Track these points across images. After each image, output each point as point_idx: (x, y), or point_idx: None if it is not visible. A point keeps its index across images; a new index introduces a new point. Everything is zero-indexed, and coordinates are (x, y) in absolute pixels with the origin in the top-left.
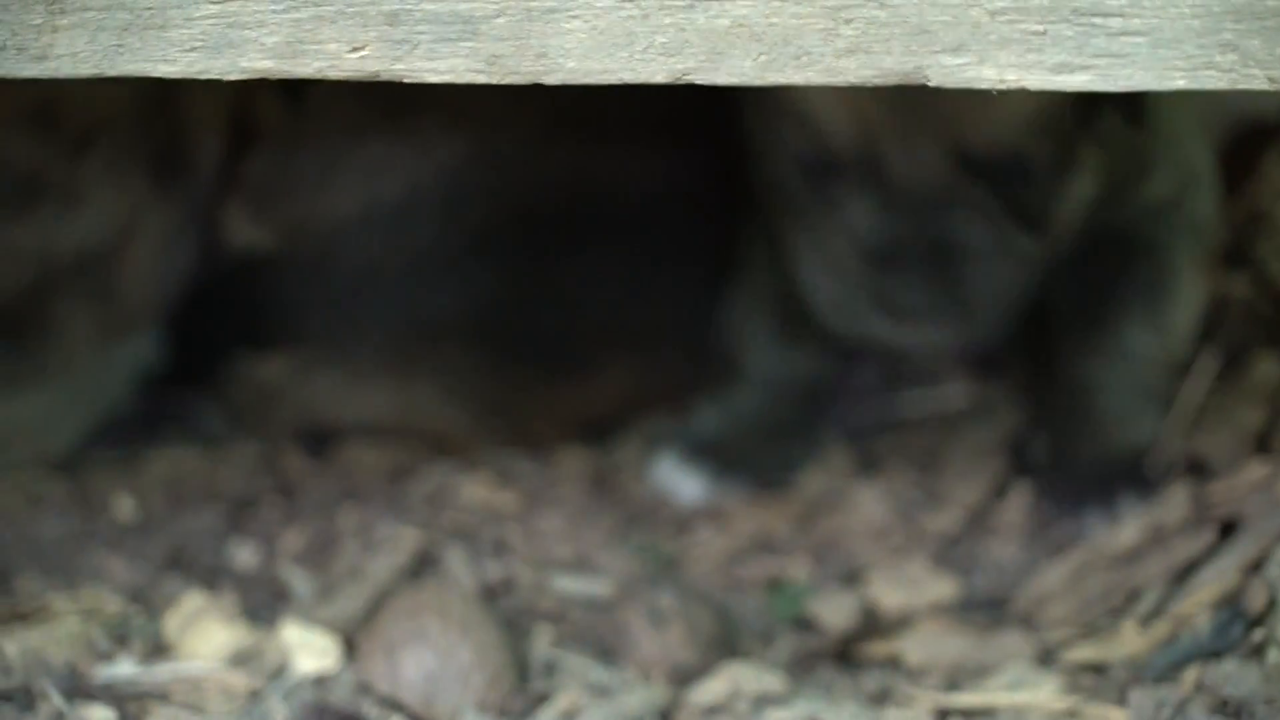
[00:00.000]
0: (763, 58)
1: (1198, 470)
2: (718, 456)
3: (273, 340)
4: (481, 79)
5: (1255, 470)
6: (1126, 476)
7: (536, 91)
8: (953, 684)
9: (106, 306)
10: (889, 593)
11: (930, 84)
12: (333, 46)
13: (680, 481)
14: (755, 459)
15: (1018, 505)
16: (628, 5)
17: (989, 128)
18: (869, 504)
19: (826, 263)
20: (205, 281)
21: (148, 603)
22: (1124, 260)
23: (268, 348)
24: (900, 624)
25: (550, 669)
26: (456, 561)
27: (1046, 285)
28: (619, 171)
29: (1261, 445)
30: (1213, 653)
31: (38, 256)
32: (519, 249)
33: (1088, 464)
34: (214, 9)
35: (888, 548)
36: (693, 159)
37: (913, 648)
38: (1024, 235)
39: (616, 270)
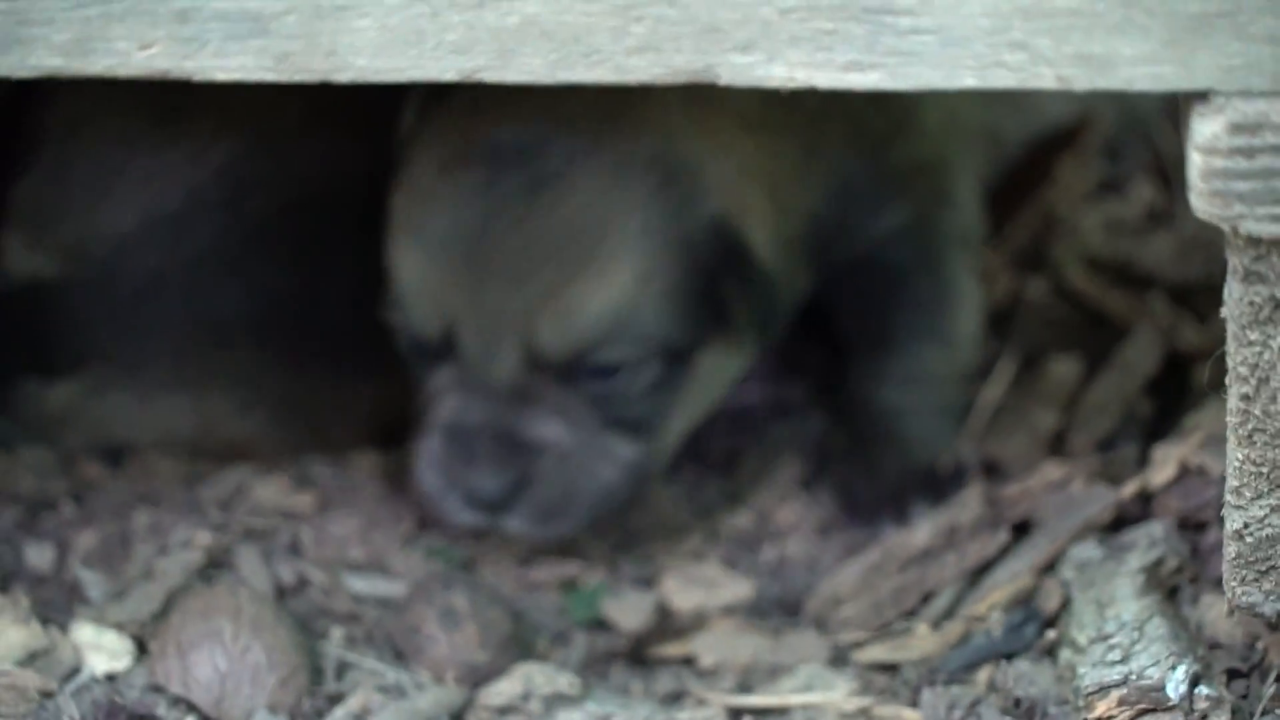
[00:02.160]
0: (553, 56)
1: (993, 473)
2: None
3: (61, 367)
4: (271, 77)
5: (1050, 472)
6: (921, 485)
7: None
8: (746, 685)
9: None
10: (683, 594)
11: (721, 82)
12: (122, 45)
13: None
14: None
15: (813, 507)
16: (417, 4)
17: (558, 328)
18: (665, 504)
19: (421, 449)
20: None
21: None
22: (895, 282)
23: (56, 375)
24: (694, 625)
25: (343, 670)
26: (249, 563)
27: (829, 307)
28: (389, 163)
29: (1057, 447)
30: (1006, 653)
31: None
32: (302, 246)
33: (884, 477)
34: (2, 5)
35: (683, 549)
36: None
37: (706, 648)
38: (616, 437)
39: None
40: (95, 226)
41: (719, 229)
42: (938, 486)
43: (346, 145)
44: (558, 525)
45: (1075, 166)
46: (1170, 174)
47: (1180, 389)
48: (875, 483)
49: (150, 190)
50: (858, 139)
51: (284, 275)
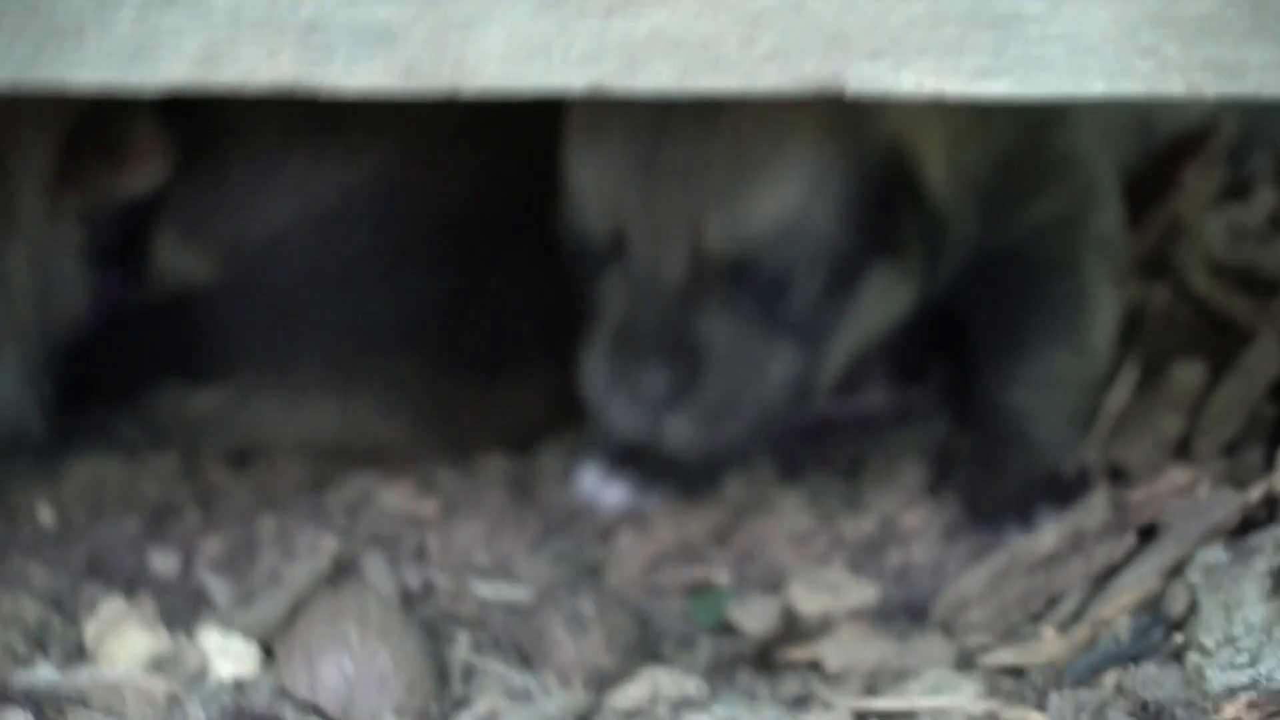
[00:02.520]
0: (681, 65)
1: (1118, 478)
2: (641, 465)
3: (208, 374)
4: (399, 87)
5: (1176, 476)
6: (1047, 490)
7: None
8: (872, 688)
9: None
10: (809, 598)
11: (849, 90)
12: (250, 55)
13: (603, 491)
14: (678, 468)
15: (938, 511)
16: (545, 14)
17: (728, 228)
18: (790, 510)
19: (589, 350)
20: (130, 314)
21: (67, 609)
22: (1034, 282)
23: (203, 381)
24: (820, 629)
25: (469, 675)
26: (375, 568)
27: (962, 307)
28: (545, 176)
29: (1181, 452)
30: (1133, 657)
31: None
32: (449, 254)
33: (1010, 481)
34: (132, 16)
35: (808, 554)
36: None
37: (832, 653)
38: (783, 344)
39: (543, 275)
40: (249, 226)
41: (894, 155)
42: (1063, 491)
43: (500, 157)
44: (722, 430)
45: (1201, 172)
46: None
47: None
48: (1001, 487)
49: (305, 191)
50: (1023, 117)
51: (433, 281)
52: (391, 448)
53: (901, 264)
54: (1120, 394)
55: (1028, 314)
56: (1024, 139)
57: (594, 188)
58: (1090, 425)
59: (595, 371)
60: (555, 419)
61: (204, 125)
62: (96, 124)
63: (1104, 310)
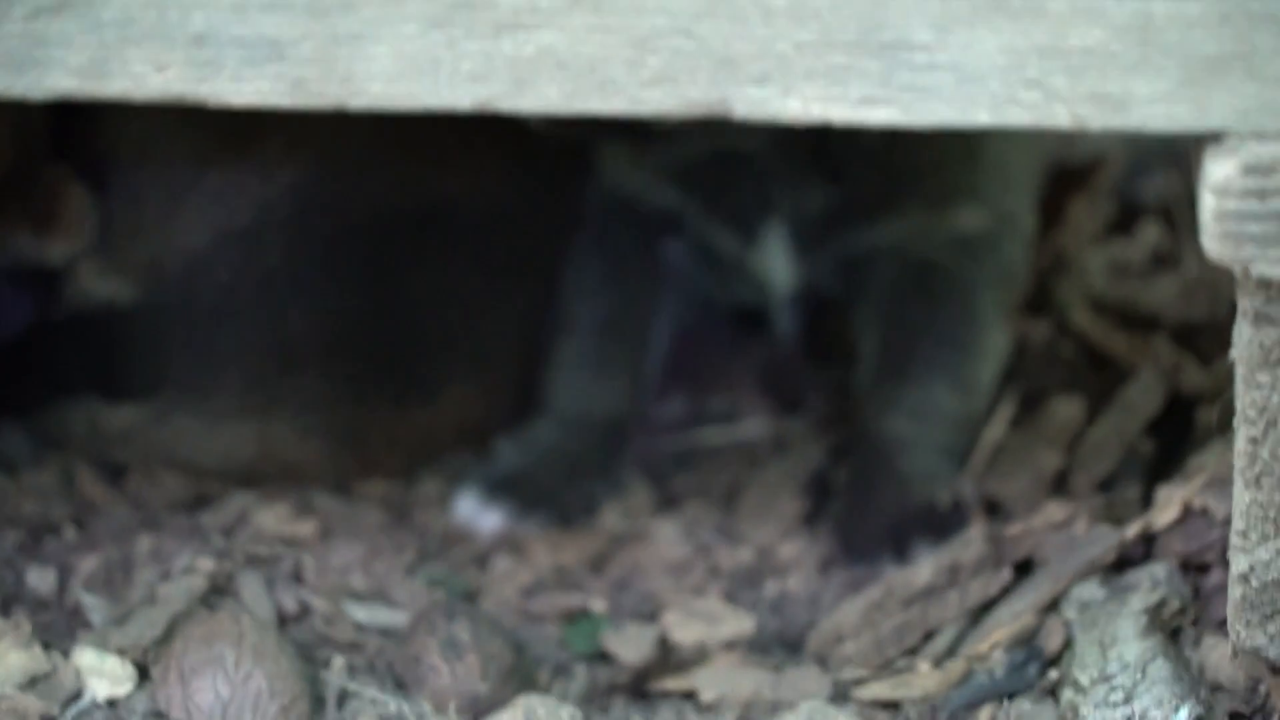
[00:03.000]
0: (568, 86)
1: (995, 512)
2: (518, 492)
3: (129, 392)
4: (286, 102)
5: (1052, 512)
6: (922, 523)
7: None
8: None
9: None
10: (685, 628)
11: (735, 115)
12: (138, 68)
13: (481, 516)
14: (556, 495)
15: (814, 543)
16: (434, 32)
17: None
18: (667, 539)
19: None
20: (44, 331)
21: None
22: (932, 305)
23: (122, 399)
24: (695, 659)
25: (344, 699)
26: (252, 590)
27: (856, 324)
28: (461, 190)
29: (1059, 487)
30: (1008, 693)
31: None
32: (362, 270)
33: (883, 514)
34: (19, 27)
35: (685, 584)
36: (525, 178)
37: (708, 683)
38: None
39: (458, 291)
40: (168, 244)
41: None
42: (938, 525)
43: (417, 171)
44: None
45: (1086, 207)
46: (1176, 216)
47: (1183, 430)
48: (874, 520)
49: (221, 207)
50: None
51: (350, 297)
52: (305, 469)
53: None
54: (997, 427)
55: (917, 340)
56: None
57: None
58: (964, 459)
59: None
60: (472, 437)
61: (112, 140)
62: (19, 182)
63: (993, 346)
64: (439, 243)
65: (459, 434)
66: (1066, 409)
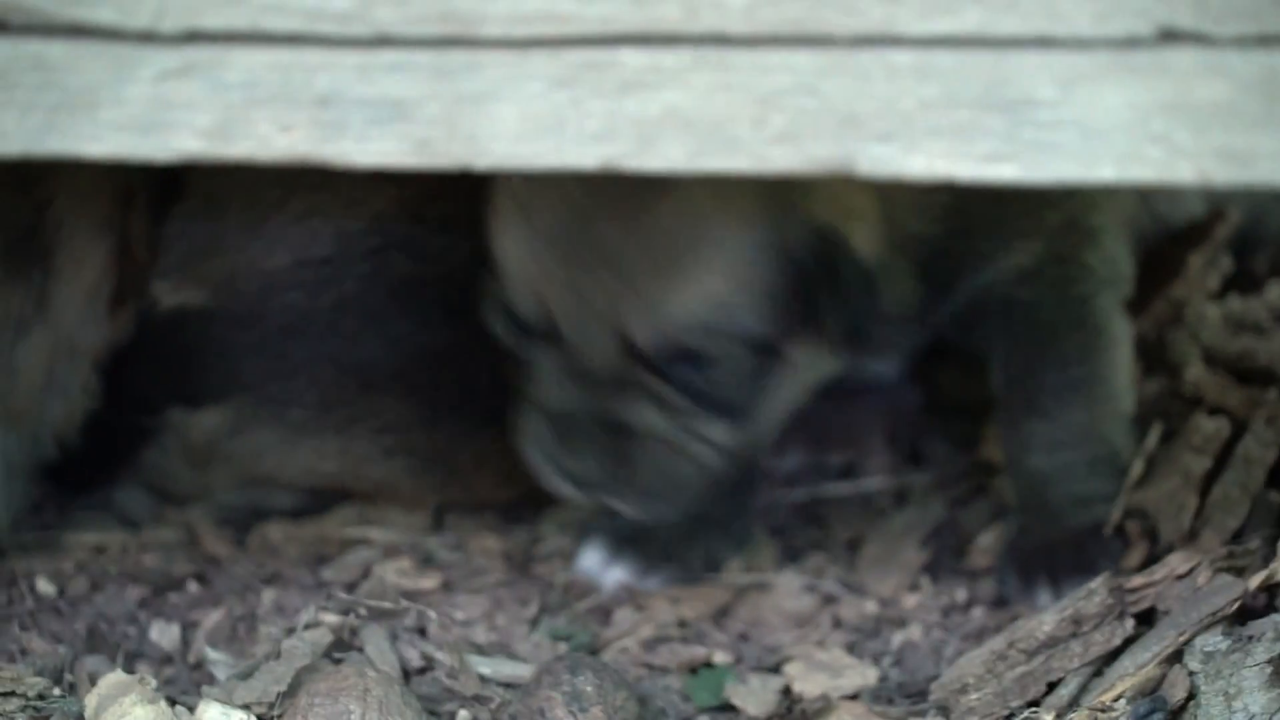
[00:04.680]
0: (693, 145)
1: (1150, 534)
2: (643, 548)
3: (206, 395)
4: (411, 162)
5: (1175, 562)
6: (1075, 554)
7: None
8: None
9: None
10: (809, 680)
11: (860, 172)
12: (263, 129)
13: (605, 573)
14: (680, 551)
15: (937, 594)
16: (559, 91)
17: (651, 322)
18: (789, 593)
19: (525, 426)
20: (135, 346)
21: (67, 682)
22: (1041, 332)
23: (203, 404)
24: (820, 711)
25: None
26: (375, 644)
27: (983, 359)
28: None
29: (1190, 536)
30: None
31: None
32: (439, 305)
33: (1037, 545)
34: (146, 89)
35: (808, 635)
36: None
37: None
38: (715, 422)
39: None
40: (246, 262)
41: (820, 237)
42: (1094, 554)
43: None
44: (659, 506)
45: (1204, 260)
46: None
47: None
48: (1030, 551)
49: (302, 232)
50: None
51: (425, 332)
52: (390, 488)
53: (824, 341)
54: (1150, 441)
55: (1040, 367)
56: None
57: (523, 272)
58: (1123, 469)
59: (532, 448)
60: None
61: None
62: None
63: (1118, 348)
64: None
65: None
66: (1211, 425)
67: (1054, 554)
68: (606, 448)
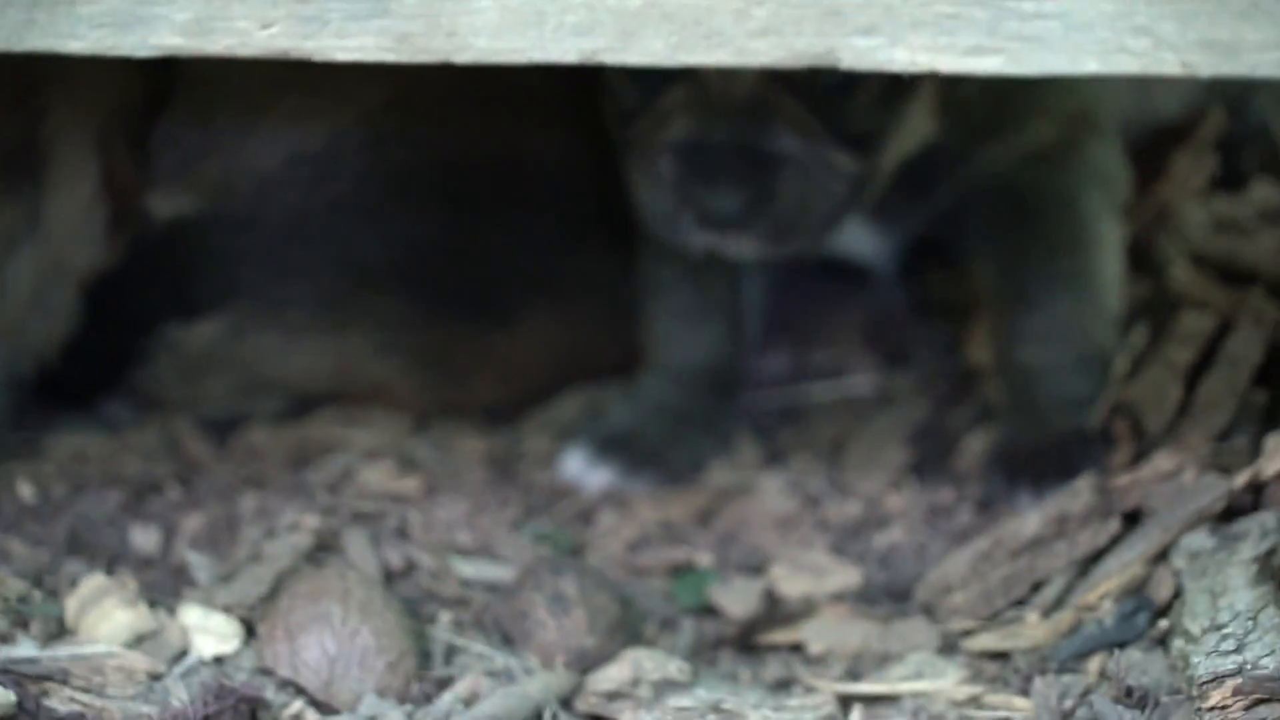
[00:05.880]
0: (674, 38)
1: (1138, 431)
2: (626, 450)
3: (204, 304)
4: (391, 57)
5: (1161, 462)
6: (1059, 460)
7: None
8: (855, 673)
9: None
10: (792, 581)
11: (842, 66)
12: (242, 24)
13: (588, 475)
14: (664, 453)
15: (921, 495)
16: None
17: None
18: (773, 494)
19: (650, 172)
20: (129, 264)
21: (48, 585)
22: (1032, 220)
23: (199, 313)
24: (803, 613)
25: (451, 654)
26: (357, 546)
27: (967, 250)
28: (533, 130)
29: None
30: (1117, 642)
31: None
32: (439, 200)
33: (1024, 446)
34: None
35: (791, 537)
36: (594, 129)
37: (815, 636)
38: (843, 152)
39: (537, 225)
40: (239, 163)
41: None
42: (1078, 457)
43: (492, 106)
44: (790, 240)
45: (1190, 161)
46: None
47: None
48: (1015, 453)
49: (295, 130)
50: None
51: (423, 226)
52: (387, 388)
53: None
54: (1136, 338)
55: (1029, 258)
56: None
57: None
58: (1106, 369)
59: (658, 191)
60: (558, 371)
61: (187, 67)
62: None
63: (1107, 245)
64: (511, 182)
65: (541, 368)
66: (1196, 321)
67: (1039, 457)
68: (748, 181)
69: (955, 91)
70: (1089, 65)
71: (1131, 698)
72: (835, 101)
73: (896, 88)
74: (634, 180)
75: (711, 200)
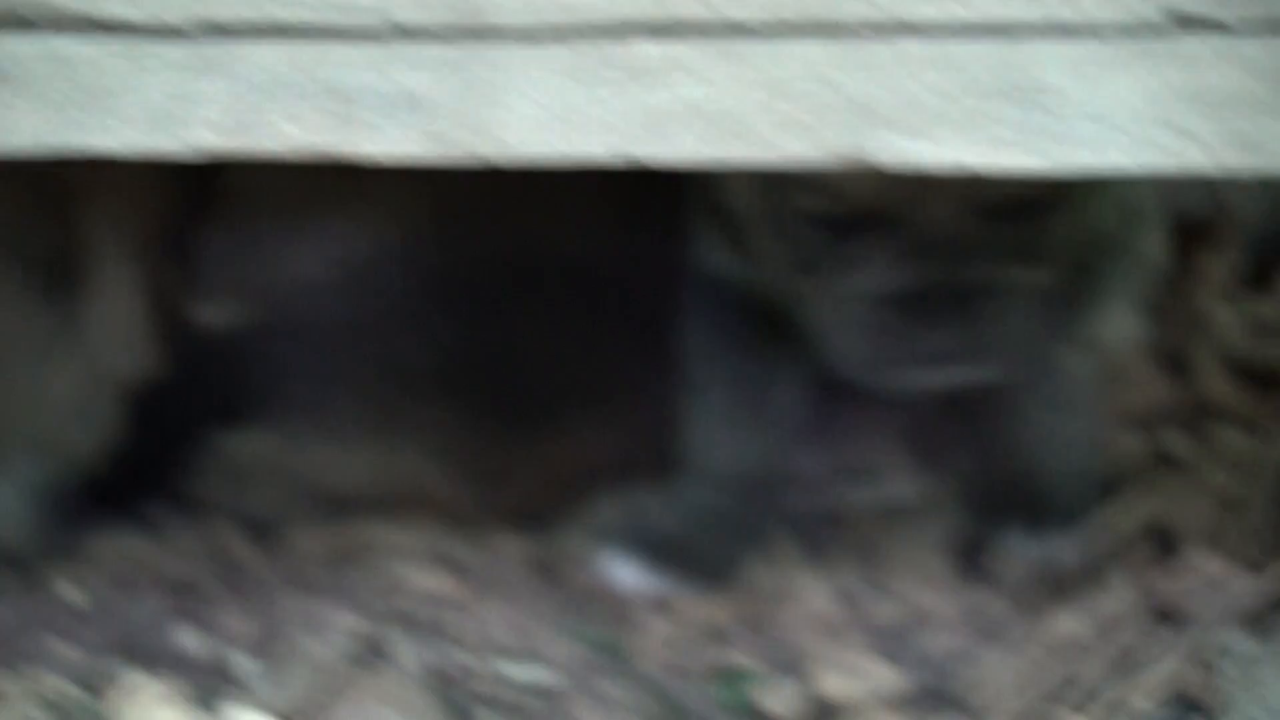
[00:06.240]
0: (704, 135)
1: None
2: (666, 553)
3: (251, 414)
4: (425, 155)
5: (1200, 563)
6: (1055, 507)
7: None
8: None
9: None
10: (835, 682)
11: (872, 162)
12: (277, 122)
13: (630, 577)
14: (704, 556)
15: (963, 596)
16: (570, 83)
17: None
18: (815, 595)
19: (851, 319)
20: (176, 365)
21: (91, 686)
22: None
23: (246, 422)
24: (846, 713)
25: None
26: (402, 648)
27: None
28: (575, 232)
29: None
30: None
31: None
32: (477, 307)
33: (1019, 493)
34: (161, 84)
35: (834, 639)
36: (641, 228)
37: None
38: (1033, 269)
39: (579, 328)
40: (283, 271)
41: None
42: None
43: (533, 211)
44: (999, 363)
45: (1218, 260)
46: None
47: None
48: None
49: (338, 237)
50: None
51: (468, 331)
52: (436, 496)
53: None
54: None
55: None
56: None
57: None
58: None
59: (864, 340)
60: (596, 473)
61: (229, 176)
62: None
63: (1117, 316)
64: (552, 287)
65: (582, 470)
66: (1231, 431)
67: (1030, 499)
68: (958, 317)
69: None
70: (1119, 160)
71: None
72: (1023, 224)
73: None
74: (824, 325)
75: (927, 344)
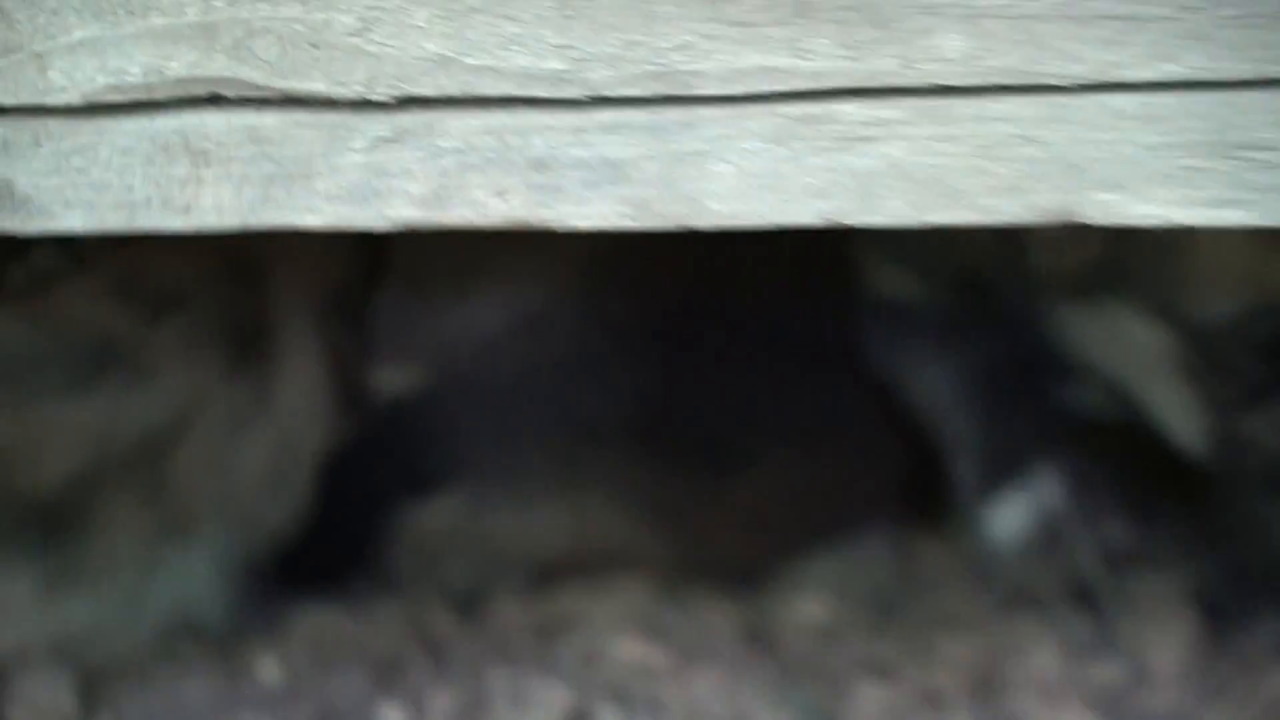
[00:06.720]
0: (914, 198)
1: None
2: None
3: (437, 480)
4: (630, 224)
5: None
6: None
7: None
8: None
9: (159, 502)
10: None
11: (1084, 222)
12: (479, 195)
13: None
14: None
15: (1187, 652)
16: (776, 148)
17: None
18: (1038, 655)
19: None
20: (360, 435)
21: None
22: None
23: (433, 489)
24: None
25: None
26: None
27: None
28: (751, 267)
29: None
30: None
31: (96, 437)
32: (655, 352)
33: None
34: (360, 158)
35: (1058, 700)
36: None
37: None
38: None
39: (764, 364)
40: (459, 331)
41: None
42: None
43: (710, 256)
44: None
45: None
46: None
47: None
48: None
49: (511, 292)
50: None
51: (648, 377)
52: (627, 550)
53: None
54: None
55: None
56: None
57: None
58: None
59: None
60: (793, 519)
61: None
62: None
63: None
64: (731, 322)
65: (787, 517)
66: None
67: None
68: None
69: None
70: None
71: None
72: None
73: None
74: None
75: None
